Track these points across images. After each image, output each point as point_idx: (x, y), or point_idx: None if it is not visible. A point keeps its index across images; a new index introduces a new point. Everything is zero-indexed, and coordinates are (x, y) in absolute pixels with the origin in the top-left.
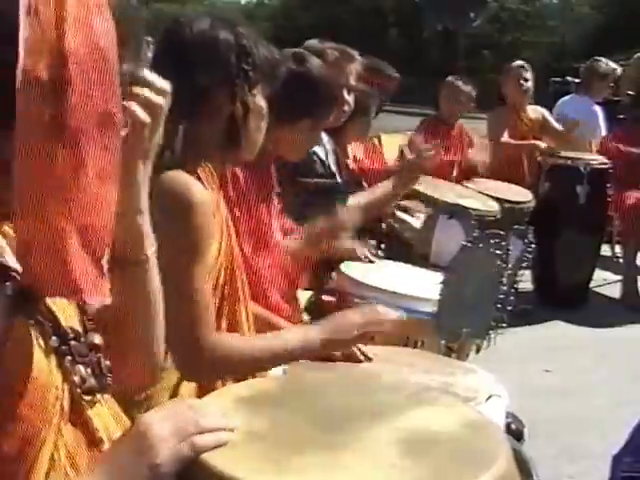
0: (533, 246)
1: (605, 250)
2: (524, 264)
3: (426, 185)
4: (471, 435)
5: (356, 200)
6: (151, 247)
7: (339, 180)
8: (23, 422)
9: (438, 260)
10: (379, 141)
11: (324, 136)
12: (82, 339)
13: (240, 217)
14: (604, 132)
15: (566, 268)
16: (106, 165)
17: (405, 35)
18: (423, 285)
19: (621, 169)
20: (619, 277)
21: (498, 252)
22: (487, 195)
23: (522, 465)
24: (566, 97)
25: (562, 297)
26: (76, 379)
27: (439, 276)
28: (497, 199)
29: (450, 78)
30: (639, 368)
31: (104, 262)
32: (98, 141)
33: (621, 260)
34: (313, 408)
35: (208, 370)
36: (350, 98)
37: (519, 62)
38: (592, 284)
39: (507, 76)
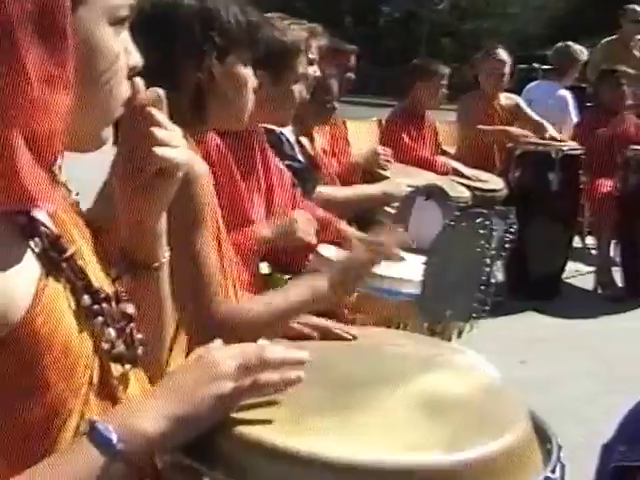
0: (515, 227)
1: (576, 242)
2: (506, 245)
3: (396, 172)
4: (488, 398)
5: (330, 191)
6: (165, 254)
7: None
8: (51, 390)
9: (416, 242)
10: (345, 126)
11: (286, 130)
12: (114, 305)
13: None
14: (575, 118)
15: (538, 257)
16: (52, 71)
17: (361, 23)
18: (405, 267)
19: (593, 156)
20: (591, 268)
21: (482, 231)
22: (458, 182)
23: (539, 429)
24: (533, 83)
25: (534, 288)
26: (105, 346)
27: (420, 258)
28: (468, 187)
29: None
30: (615, 358)
31: (55, 169)
32: (38, 46)
33: (593, 251)
34: (325, 377)
35: (226, 331)
36: (311, 70)
37: (496, 47)
38: (564, 275)
39: (483, 61)
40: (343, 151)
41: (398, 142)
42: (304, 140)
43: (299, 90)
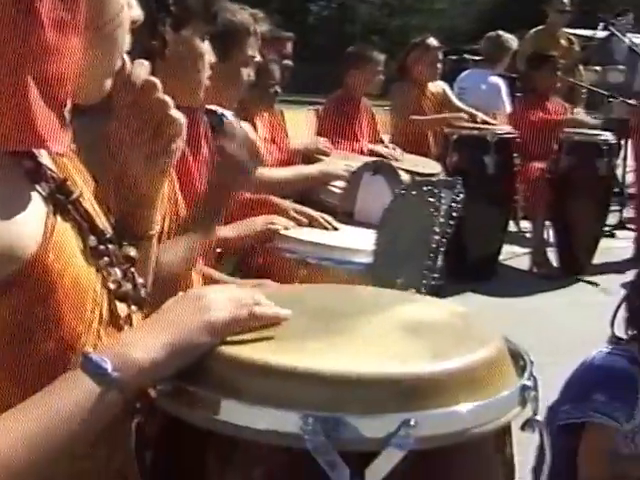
0: (462, 196)
1: (511, 226)
2: (454, 214)
3: (335, 158)
4: (464, 322)
5: (268, 172)
6: (157, 226)
7: None
8: (64, 325)
9: (363, 217)
10: (282, 115)
11: (228, 113)
12: (115, 245)
13: None
14: (507, 104)
15: (475, 240)
16: (64, 16)
17: (290, 21)
18: (356, 237)
19: (526, 140)
20: (527, 250)
21: (431, 200)
22: (397, 167)
23: (511, 349)
24: (466, 71)
25: (471, 269)
26: (112, 285)
27: (370, 232)
28: (407, 171)
29: None
30: (554, 333)
31: (66, 113)
32: None
33: (527, 235)
34: (307, 310)
35: None
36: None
37: (430, 37)
38: (501, 257)
39: (417, 51)
40: (282, 140)
41: (334, 130)
42: (246, 126)
43: (247, 73)
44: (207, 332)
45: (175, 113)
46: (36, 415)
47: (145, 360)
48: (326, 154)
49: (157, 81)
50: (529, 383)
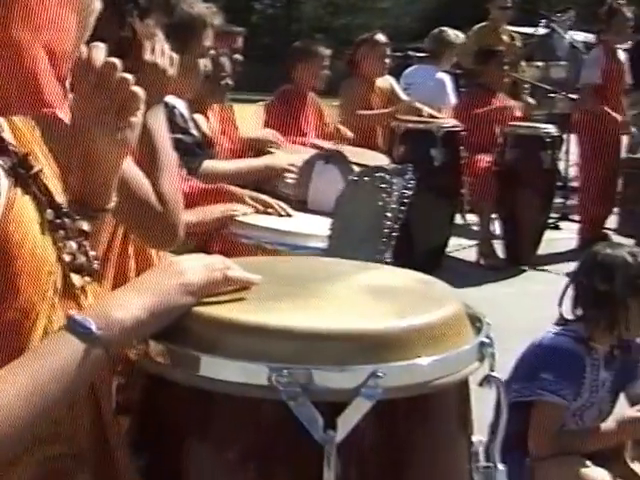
0: (413, 182)
1: (457, 219)
2: (406, 200)
3: (284, 152)
4: (424, 286)
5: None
6: (114, 199)
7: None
8: (21, 294)
9: (316, 205)
10: (231, 109)
11: (181, 102)
12: (70, 219)
13: None
14: (453, 99)
15: (423, 232)
16: None
17: (233, 20)
18: (311, 223)
19: (472, 133)
20: (473, 242)
21: (383, 185)
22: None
23: (470, 313)
24: (412, 67)
25: (418, 262)
26: (67, 257)
27: (324, 218)
28: (354, 164)
29: None
30: (501, 321)
31: (67, 84)
32: None
33: (474, 227)
34: (278, 276)
35: None
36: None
37: (377, 33)
38: (447, 250)
39: (366, 47)
40: (232, 132)
41: (281, 123)
42: (199, 118)
43: (204, 64)
44: (184, 293)
45: (135, 89)
46: (29, 374)
47: (127, 320)
48: (277, 145)
49: (116, 60)
50: (486, 340)
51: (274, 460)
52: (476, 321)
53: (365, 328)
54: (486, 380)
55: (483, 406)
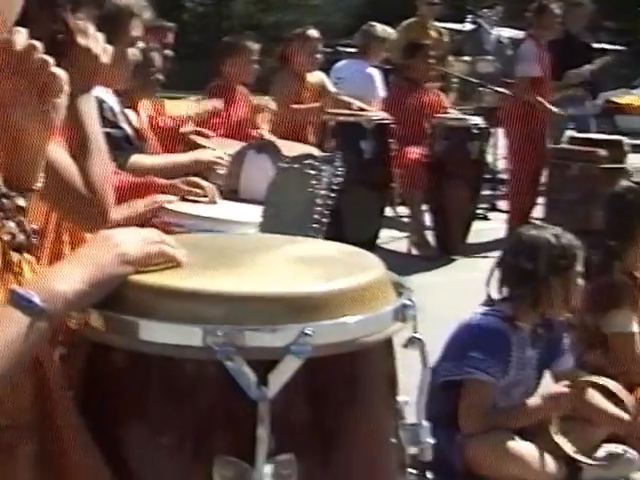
0: (341, 170)
1: (388, 212)
2: (334, 187)
3: (215, 144)
4: (351, 255)
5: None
6: (41, 179)
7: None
8: None
9: (247, 194)
10: (163, 104)
11: (112, 96)
12: (8, 199)
13: None
14: (382, 93)
15: (353, 224)
16: None
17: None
18: (242, 211)
19: (401, 126)
20: (404, 234)
21: (312, 172)
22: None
23: (393, 279)
24: (341, 62)
25: None
26: (6, 237)
27: (255, 206)
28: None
29: None
30: (434, 310)
31: None
32: None
33: (405, 219)
34: (209, 249)
35: None
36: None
37: (310, 29)
38: (378, 242)
39: (297, 42)
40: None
41: (212, 117)
42: (129, 112)
43: (133, 53)
44: (122, 264)
45: (56, 70)
46: None
47: (69, 291)
48: (207, 136)
49: (37, 43)
50: (408, 302)
51: (211, 419)
52: (399, 287)
53: (294, 291)
54: (410, 341)
55: (408, 372)
